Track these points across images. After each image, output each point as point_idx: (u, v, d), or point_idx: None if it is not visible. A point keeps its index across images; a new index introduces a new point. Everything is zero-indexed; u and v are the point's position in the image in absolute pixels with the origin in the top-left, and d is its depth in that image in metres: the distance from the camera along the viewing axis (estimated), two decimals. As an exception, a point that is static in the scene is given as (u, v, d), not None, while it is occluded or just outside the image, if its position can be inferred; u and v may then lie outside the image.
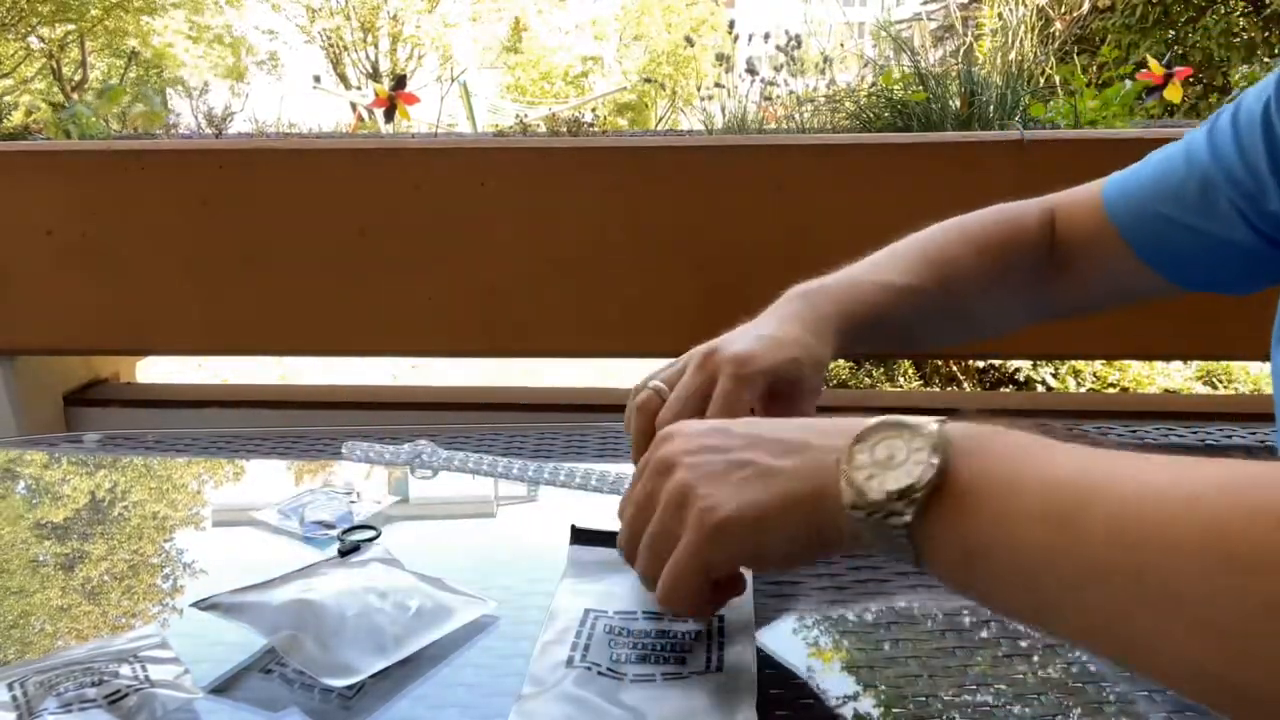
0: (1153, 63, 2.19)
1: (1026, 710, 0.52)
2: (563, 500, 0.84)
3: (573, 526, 0.65)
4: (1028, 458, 0.40)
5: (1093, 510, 0.36)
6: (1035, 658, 0.58)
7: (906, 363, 4.07)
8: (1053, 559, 0.37)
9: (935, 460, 0.41)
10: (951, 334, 0.83)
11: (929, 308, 0.75)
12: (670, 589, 0.50)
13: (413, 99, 2.41)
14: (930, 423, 0.43)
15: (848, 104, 2.42)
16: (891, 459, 0.42)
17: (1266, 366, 0.67)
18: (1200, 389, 3.86)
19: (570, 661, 0.52)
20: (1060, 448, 0.40)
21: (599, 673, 0.51)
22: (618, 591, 0.59)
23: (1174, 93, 2.17)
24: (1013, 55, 2.32)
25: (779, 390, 0.64)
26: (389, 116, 2.40)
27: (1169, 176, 0.74)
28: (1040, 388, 3.84)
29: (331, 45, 19.63)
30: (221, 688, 0.54)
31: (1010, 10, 2.39)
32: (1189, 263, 0.75)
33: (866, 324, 0.71)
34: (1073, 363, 3.85)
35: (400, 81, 2.41)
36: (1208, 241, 0.72)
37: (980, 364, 3.91)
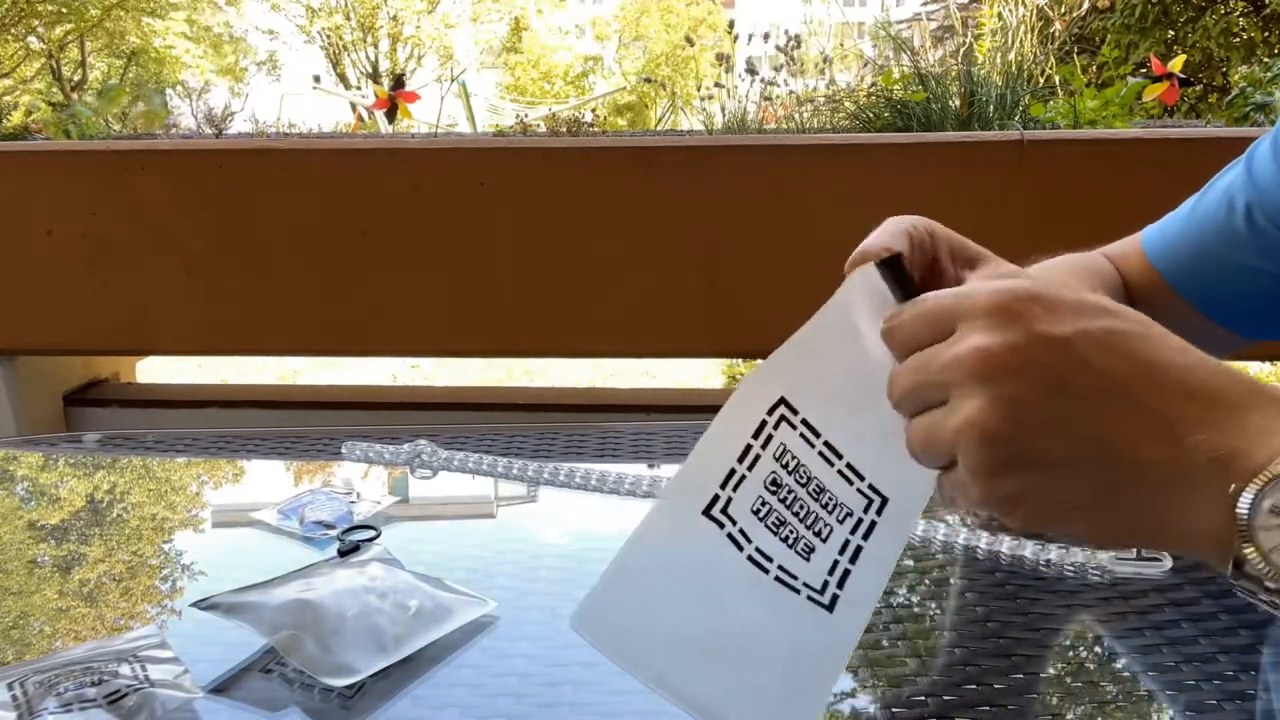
0: (1155, 60, 2.20)
1: (1026, 710, 0.52)
2: (563, 500, 0.84)
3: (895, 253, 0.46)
4: None
5: None
6: (1034, 657, 0.58)
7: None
8: None
9: None
10: None
11: None
12: (918, 451, 0.41)
13: (413, 97, 2.41)
14: None
15: (848, 104, 2.42)
16: None
17: (1267, 366, 0.65)
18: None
19: (712, 504, 0.45)
20: None
21: (728, 535, 0.45)
22: (832, 379, 0.46)
23: (1169, 94, 2.17)
24: (1012, 55, 2.32)
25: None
26: (390, 117, 2.40)
27: (1212, 219, 0.71)
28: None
29: (331, 45, 19.63)
30: (221, 687, 0.53)
31: (1010, 10, 2.39)
32: (1246, 306, 0.70)
33: None
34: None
35: (399, 81, 2.42)
36: (1266, 281, 0.68)
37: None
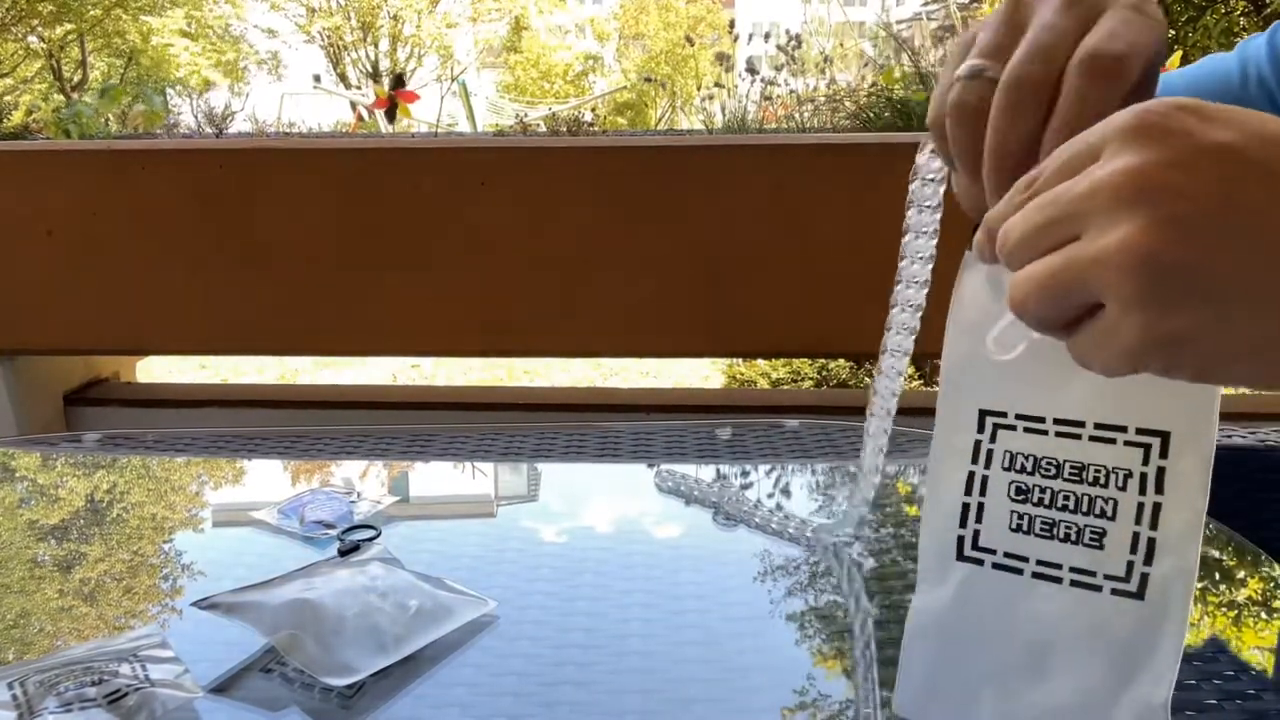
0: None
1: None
2: (563, 500, 0.84)
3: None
4: None
5: None
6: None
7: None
8: None
9: None
10: None
11: None
12: (1035, 309, 0.34)
13: (412, 96, 2.42)
14: None
15: (848, 104, 2.42)
16: None
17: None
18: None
19: (961, 547, 0.42)
20: None
21: (993, 565, 0.41)
22: (1016, 364, 0.40)
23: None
24: (1013, 55, 2.31)
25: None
26: (390, 117, 2.40)
27: (1221, 74, 0.69)
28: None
29: (331, 45, 19.63)
30: (222, 687, 0.54)
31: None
32: None
33: None
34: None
35: (399, 80, 2.42)
36: None
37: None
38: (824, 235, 1.84)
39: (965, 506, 0.42)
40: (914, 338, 0.56)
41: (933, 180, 0.50)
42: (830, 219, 1.84)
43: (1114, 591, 0.39)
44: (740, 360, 4.34)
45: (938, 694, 0.43)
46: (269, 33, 20.43)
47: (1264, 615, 0.64)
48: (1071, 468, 0.40)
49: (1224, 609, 0.62)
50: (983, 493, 0.41)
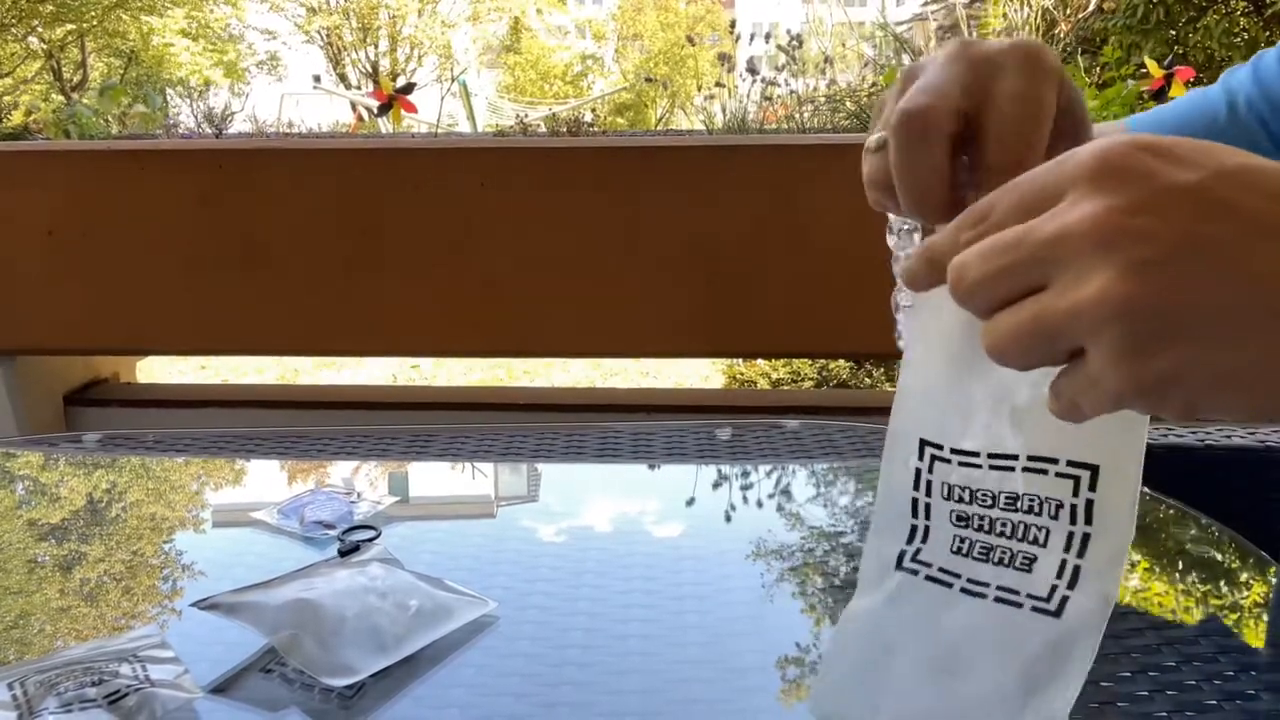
0: (1150, 64, 2.19)
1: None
2: (563, 500, 0.84)
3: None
4: None
5: None
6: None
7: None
8: None
9: None
10: None
11: None
12: (1016, 355, 0.34)
13: (411, 107, 2.42)
14: None
15: (848, 104, 2.42)
16: None
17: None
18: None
19: (901, 559, 0.44)
20: None
21: (927, 577, 0.43)
22: (957, 398, 0.42)
23: (1177, 90, 2.17)
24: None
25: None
26: (384, 110, 2.40)
27: (1210, 117, 0.70)
28: (1040, 388, 3.83)
29: (331, 45, 19.63)
30: (221, 687, 0.53)
31: (1015, 10, 2.39)
32: None
33: None
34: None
35: (408, 88, 2.41)
36: None
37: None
38: (824, 235, 1.84)
39: (913, 529, 0.44)
40: None
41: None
42: (830, 219, 1.84)
43: (1034, 609, 0.41)
44: (740, 360, 4.34)
45: (851, 693, 0.45)
46: (268, 34, 20.42)
47: (1264, 616, 0.64)
48: (1007, 497, 0.41)
49: (1225, 609, 0.62)
50: (928, 517, 0.44)
